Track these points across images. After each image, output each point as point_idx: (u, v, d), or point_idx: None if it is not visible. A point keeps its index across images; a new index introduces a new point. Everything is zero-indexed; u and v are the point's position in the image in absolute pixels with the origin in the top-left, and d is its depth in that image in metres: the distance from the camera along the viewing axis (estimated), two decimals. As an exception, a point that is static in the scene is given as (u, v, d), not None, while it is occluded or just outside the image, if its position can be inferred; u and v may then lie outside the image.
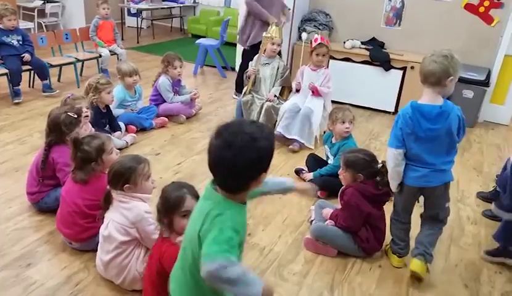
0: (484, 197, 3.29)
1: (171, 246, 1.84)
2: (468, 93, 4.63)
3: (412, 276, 2.38)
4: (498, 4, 4.67)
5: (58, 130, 2.63)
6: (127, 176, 2.06)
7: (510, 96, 4.95)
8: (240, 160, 1.24)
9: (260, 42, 4.33)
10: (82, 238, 2.35)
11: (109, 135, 2.68)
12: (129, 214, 2.05)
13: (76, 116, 2.71)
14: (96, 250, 2.20)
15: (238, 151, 1.23)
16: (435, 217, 2.36)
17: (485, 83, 4.66)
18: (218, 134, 1.28)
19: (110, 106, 3.76)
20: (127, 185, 2.06)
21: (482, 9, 4.79)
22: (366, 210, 2.43)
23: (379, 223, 2.51)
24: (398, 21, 5.18)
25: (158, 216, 1.90)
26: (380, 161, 2.51)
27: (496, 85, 4.87)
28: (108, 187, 2.12)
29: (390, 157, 2.25)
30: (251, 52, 4.55)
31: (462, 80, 4.61)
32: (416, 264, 2.31)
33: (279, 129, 3.97)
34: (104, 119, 3.67)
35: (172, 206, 1.84)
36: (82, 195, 2.32)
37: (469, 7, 4.81)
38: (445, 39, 4.61)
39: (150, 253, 1.99)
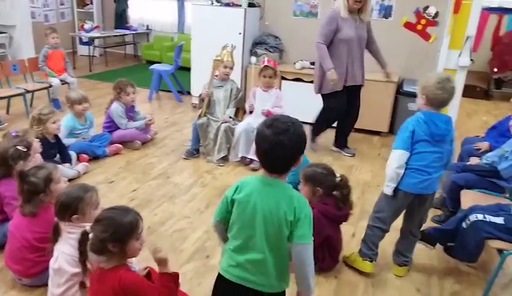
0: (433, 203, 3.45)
1: (129, 272, 1.81)
2: (413, 106, 4.87)
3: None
4: (434, 22, 5.00)
5: (5, 164, 2.56)
6: (74, 206, 2.02)
7: (452, 107, 5.20)
8: (294, 144, 1.48)
9: (332, 92, 4.12)
10: (33, 273, 2.27)
11: (56, 165, 2.61)
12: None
13: (25, 149, 2.65)
14: (47, 285, 2.13)
15: (292, 135, 1.47)
16: (418, 226, 2.55)
17: (428, 96, 4.92)
18: (269, 125, 1.49)
19: (60, 135, 3.68)
20: (75, 215, 2.02)
21: (419, 27, 5.11)
22: (325, 233, 2.47)
23: (336, 244, 2.57)
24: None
25: (100, 246, 1.73)
26: (338, 175, 2.57)
27: (438, 97, 5.16)
28: (55, 218, 2.06)
29: (395, 158, 2.33)
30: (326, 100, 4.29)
31: (406, 94, 4.89)
32: (403, 271, 2.61)
33: (240, 154, 4.06)
34: (53, 150, 3.58)
35: (129, 231, 1.77)
36: (32, 228, 2.25)
37: (408, 26, 5.12)
38: (388, 56, 4.84)
39: (91, 286, 1.84)
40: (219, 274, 1.68)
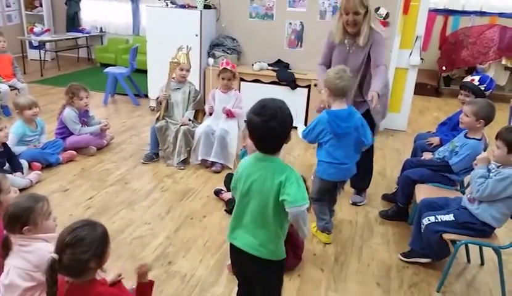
0: (389, 198, 3.56)
1: (108, 288, 1.76)
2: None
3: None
4: (385, 22, 5.16)
5: None
6: (25, 218, 1.90)
7: (404, 105, 5.46)
8: (283, 127, 1.65)
9: None
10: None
11: (4, 174, 2.48)
12: (31, 257, 1.90)
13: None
14: (-2, 301, 2.02)
15: (280, 119, 1.63)
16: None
17: (382, 94, 5.09)
18: (258, 113, 1.64)
19: (8, 143, 3.51)
20: (26, 227, 1.92)
21: (372, 28, 5.26)
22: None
23: (298, 242, 2.58)
24: (299, 43, 5.50)
25: (82, 267, 1.65)
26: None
27: (391, 96, 5.33)
28: (4, 232, 1.95)
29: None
30: None
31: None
32: (323, 236, 2.93)
33: (200, 157, 4.02)
34: (2, 158, 3.40)
35: (105, 242, 1.72)
36: (-21, 243, 2.13)
37: (361, 27, 5.27)
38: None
39: None
40: (231, 244, 1.86)
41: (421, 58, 5.33)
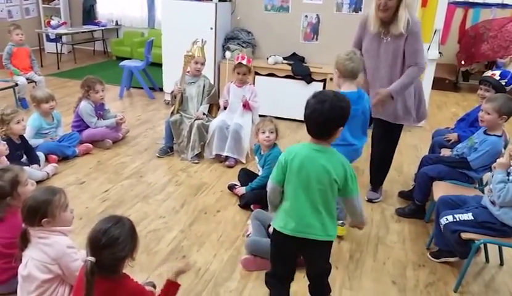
0: (405, 195, 3.50)
1: (137, 283, 1.80)
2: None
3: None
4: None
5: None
6: (43, 210, 1.93)
7: (422, 100, 5.36)
8: (331, 111, 1.76)
9: None
10: (2, 280, 2.18)
11: (22, 166, 2.51)
12: (49, 250, 1.92)
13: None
14: (16, 292, 2.04)
15: (330, 105, 1.75)
16: None
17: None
18: (314, 96, 1.81)
19: (26, 136, 3.55)
20: (45, 219, 1.94)
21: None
22: None
23: None
24: (315, 36, 5.43)
25: (120, 265, 1.71)
26: None
27: (409, 90, 5.25)
28: (23, 224, 1.97)
29: None
30: None
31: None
32: (341, 230, 2.83)
33: (214, 152, 4.02)
34: (19, 151, 3.44)
35: (135, 236, 1.76)
36: (-2, 234, 2.16)
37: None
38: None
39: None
40: (276, 231, 1.94)
41: (439, 52, 5.21)
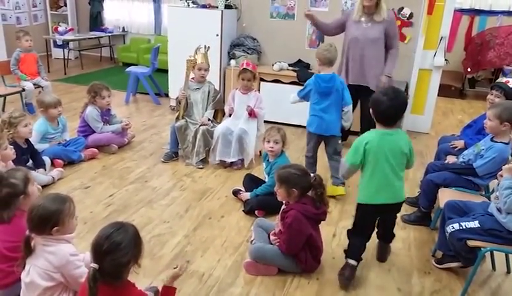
0: (411, 202, 3.47)
1: (141, 291, 1.81)
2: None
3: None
4: (408, 22, 5.07)
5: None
6: (55, 219, 1.92)
7: (428, 106, 5.35)
8: (403, 105, 2.36)
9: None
10: (5, 284, 2.17)
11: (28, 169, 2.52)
12: (53, 258, 1.91)
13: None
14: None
15: (401, 100, 2.34)
16: (333, 153, 3.54)
17: (405, 96, 5.00)
18: (384, 94, 2.32)
19: (32, 141, 3.58)
20: (55, 228, 1.93)
21: (395, 28, 5.17)
22: (307, 232, 2.45)
23: (317, 242, 2.54)
24: (320, 43, 5.43)
25: (123, 270, 1.70)
26: (312, 175, 2.55)
27: (414, 97, 5.25)
28: (28, 232, 1.95)
29: (293, 100, 3.67)
30: None
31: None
32: (341, 190, 3.54)
33: (217, 158, 4.02)
34: (25, 155, 3.46)
35: (139, 241, 1.75)
36: (2, 237, 2.15)
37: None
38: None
39: None
40: (362, 205, 2.45)
41: (446, 59, 5.21)
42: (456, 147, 3.48)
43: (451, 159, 3.30)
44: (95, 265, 1.63)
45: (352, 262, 2.49)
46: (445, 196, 2.85)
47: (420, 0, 4.95)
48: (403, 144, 2.35)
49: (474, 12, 7.61)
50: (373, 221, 2.52)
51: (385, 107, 2.28)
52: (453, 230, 2.44)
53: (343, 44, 4.28)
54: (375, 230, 2.60)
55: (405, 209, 3.39)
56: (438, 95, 5.39)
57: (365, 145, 2.32)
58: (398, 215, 3.24)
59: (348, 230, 2.57)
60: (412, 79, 5.16)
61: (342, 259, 2.71)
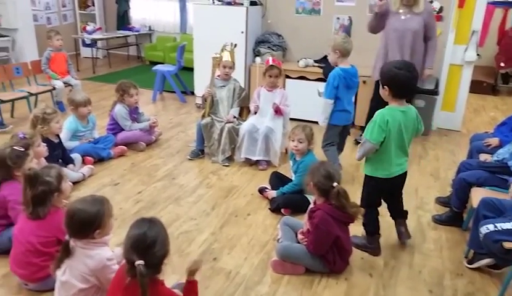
0: (443, 201, 3.39)
1: (170, 290, 1.85)
2: (420, 102, 4.82)
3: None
4: (438, 16, 4.92)
5: (4, 166, 2.53)
6: (98, 222, 1.94)
7: (459, 103, 5.19)
8: (416, 78, 2.47)
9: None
10: (39, 277, 2.24)
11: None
12: (90, 262, 1.95)
13: (23, 149, 2.61)
14: (54, 290, 2.09)
15: (414, 73, 2.42)
16: (343, 142, 3.88)
17: (435, 92, 4.88)
18: (400, 68, 2.38)
19: (62, 138, 3.66)
20: (98, 230, 1.96)
21: (425, 23, 5.03)
22: (334, 233, 2.41)
23: (345, 244, 2.49)
24: (347, 38, 5.36)
25: (160, 265, 1.75)
26: (335, 184, 2.41)
27: (445, 93, 5.11)
28: (68, 237, 1.98)
29: (327, 106, 3.54)
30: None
31: (412, 91, 4.79)
32: None
33: (243, 155, 4.02)
34: (57, 151, 3.53)
35: (167, 235, 1.80)
36: (37, 233, 2.22)
37: (413, 21, 5.05)
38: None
39: None
40: (379, 179, 2.56)
41: (477, 54, 5.04)
42: (490, 144, 3.36)
43: (484, 157, 3.19)
44: (141, 262, 1.66)
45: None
46: (478, 195, 2.75)
47: (451, -6, 4.80)
48: (415, 118, 2.52)
49: (508, 4, 7.31)
50: (380, 193, 2.68)
51: (405, 79, 2.36)
52: (487, 231, 2.35)
53: (381, 35, 4.31)
54: (390, 213, 2.82)
55: (436, 209, 3.32)
56: (469, 91, 5.22)
57: (387, 122, 2.40)
58: (429, 215, 3.22)
59: (361, 205, 2.62)
60: (442, 75, 5.02)
61: (372, 260, 2.67)
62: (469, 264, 2.63)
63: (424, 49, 4.24)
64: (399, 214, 2.81)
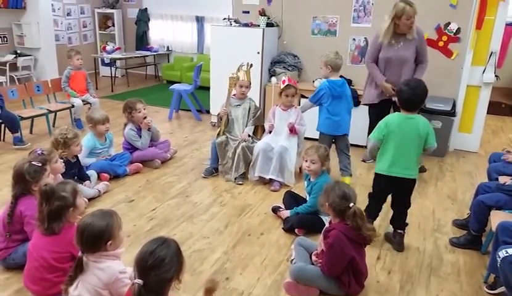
0: (460, 224, 3.31)
1: None
2: (436, 123, 4.77)
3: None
4: (456, 38, 4.91)
5: (22, 180, 2.56)
6: (108, 234, 1.96)
7: (477, 124, 5.12)
8: (424, 93, 2.81)
9: (374, 104, 4.43)
10: (52, 294, 2.24)
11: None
12: (102, 275, 1.95)
13: (40, 164, 2.65)
14: (65, 306, 2.09)
15: (421, 89, 2.80)
16: (345, 148, 4.04)
17: (452, 113, 4.82)
18: (406, 84, 2.82)
19: (80, 155, 3.70)
20: (109, 242, 1.97)
21: (441, 43, 5.02)
22: (349, 254, 2.36)
23: (360, 266, 2.44)
24: (363, 59, 5.36)
25: (168, 285, 1.70)
26: (351, 205, 2.37)
27: (462, 114, 5.05)
28: (80, 253, 1.99)
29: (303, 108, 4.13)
30: (371, 110, 4.59)
31: (430, 111, 4.75)
32: (347, 180, 3.92)
33: (256, 174, 4.01)
34: (73, 169, 3.58)
35: (181, 256, 1.76)
36: (50, 248, 2.24)
37: (429, 42, 5.01)
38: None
39: None
40: (379, 175, 2.88)
41: (496, 76, 4.99)
42: (509, 158, 3.30)
43: (504, 179, 3.12)
44: (140, 281, 1.63)
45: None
46: (498, 219, 2.68)
47: (468, 15, 4.80)
48: (420, 127, 2.75)
49: (526, 26, 7.27)
50: (386, 190, 2.95)
51: (407, 95, 2.76)
52: (506, 255, 2.27)
53: (378, 63, 4.33)
54: (391, 223, 3.05)
55: (453, 232, 3.24)
56: (487, 112, 5.15)
57: (386, 124, 2.79)
58: (447, 238, 3.14)
59: (369, 194, 3.05)
60: (460, 96, 4.98)
61: (387, 283, 2.61)
62: (490, 289, 2.54)
63: (413, 70, 4.22)
64: (399, 226, 3.02)
